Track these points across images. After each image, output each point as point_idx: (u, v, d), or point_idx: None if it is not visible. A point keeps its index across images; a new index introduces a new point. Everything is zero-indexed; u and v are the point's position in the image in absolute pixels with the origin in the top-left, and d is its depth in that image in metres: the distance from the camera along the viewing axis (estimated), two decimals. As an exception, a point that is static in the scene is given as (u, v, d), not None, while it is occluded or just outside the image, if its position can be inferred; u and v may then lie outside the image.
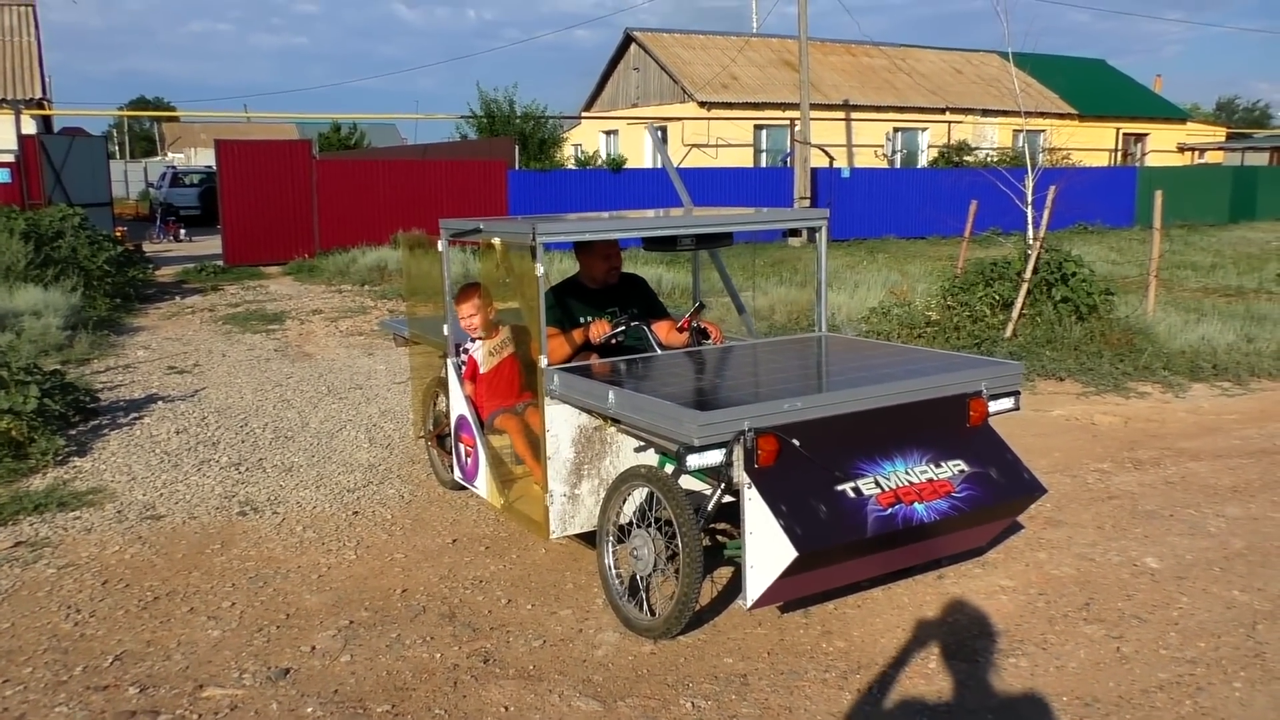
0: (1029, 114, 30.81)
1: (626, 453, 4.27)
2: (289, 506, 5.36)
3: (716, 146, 27.10)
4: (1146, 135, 34.79)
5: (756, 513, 3.47)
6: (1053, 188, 9.55)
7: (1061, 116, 32.06)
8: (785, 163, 24.88)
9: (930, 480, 3.78)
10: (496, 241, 4.35)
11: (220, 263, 17.67)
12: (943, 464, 3.86)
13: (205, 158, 42.74)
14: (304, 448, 6.45)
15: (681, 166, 24.69)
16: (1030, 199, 9.92)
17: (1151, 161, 33.38)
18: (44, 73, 23.70)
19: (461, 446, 5.03)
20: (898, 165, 29.56)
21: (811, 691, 3.45)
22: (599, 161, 22.98)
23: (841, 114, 28.31)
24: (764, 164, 28.01)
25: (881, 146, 29.76)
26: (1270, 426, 6.88)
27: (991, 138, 30.88)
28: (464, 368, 4.98)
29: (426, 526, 5.07)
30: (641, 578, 3.90)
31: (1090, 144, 30.76)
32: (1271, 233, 23.80)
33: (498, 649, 3.78)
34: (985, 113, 31.33)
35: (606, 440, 4.27)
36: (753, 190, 22.15)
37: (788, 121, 25.84)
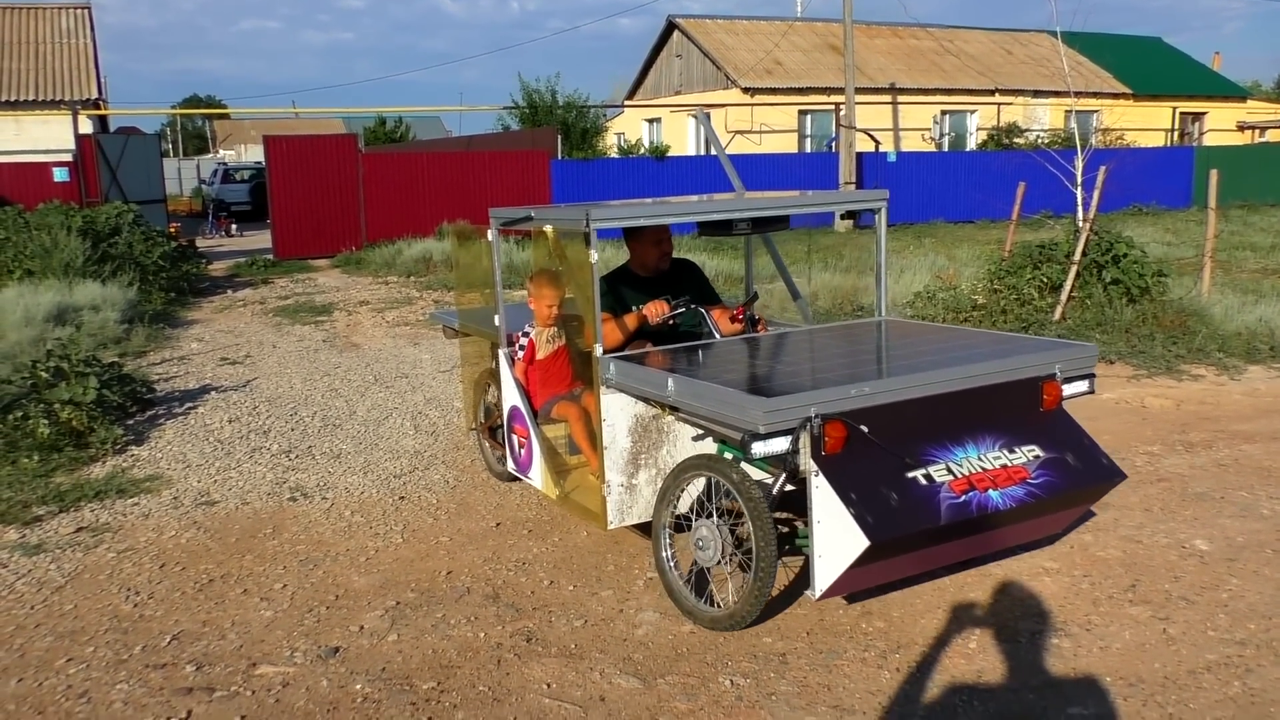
0: (1080, 94, 30.27)
1: (684, 442, 4.21)
2: (337, 492, 5.48)
3: (760, 133, 26.94)
4: (1204, 114, 33.90)
5: (825, 501, 3.38)
6: (1102, 169, 9.37)
7: (1115, 96, 31.37)
8: (830, 148, 24.67)
9: (1005, 466, 3.68)
10: (548, 229, 4.30)
11: (270, 257, 18.00)
12: (1017, 449, 3.76)
13: (255, 154, 43.50)
14: (351, 435, 6.58)
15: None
16: (1080, 180, 9.75)
17: (1210, 141, 32.51)
18: (99, 73, 24.28)
19: (515, 438, 4.98)
20: (945, 149, 29.16)
21: (850, 670, 3.46)
22: (642, 150, 22.99)
23: (888, 97, 27.95)
24: (809, 149, 27.81)
25: (929, 130, 29.38)
26: (1329, 408, 6.71)
27: (1042, 119, 30.31)
28: (523, 352, 4.87)
29: (471, 511, 5.15)
30: (706, 569, 3.85)
31: (1145, 124, 30.07)
32: (1335, 211, 23.11)
33: (540, 628, 3.84)
34: (1036, 94, 30.76)
35: (664, 429, 4.21)
36: (797, 176, 22.00)
37: (833, 106, 25.59)
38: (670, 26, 31.49)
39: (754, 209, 4.54)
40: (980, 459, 3.66)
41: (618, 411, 4.11)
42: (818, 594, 3.46)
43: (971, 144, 29.81)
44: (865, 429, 3.42)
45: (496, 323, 5.04)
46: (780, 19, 32.00)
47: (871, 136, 23.27)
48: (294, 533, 4.89)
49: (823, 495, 3.38)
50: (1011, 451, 3.75)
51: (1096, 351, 4.14)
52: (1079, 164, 9.74)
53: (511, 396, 4.96)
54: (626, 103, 33.35)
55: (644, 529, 4.33)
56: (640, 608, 3.99)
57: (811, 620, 3.82)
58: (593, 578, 4.29)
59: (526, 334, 4.91)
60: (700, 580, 3.93)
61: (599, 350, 4.08)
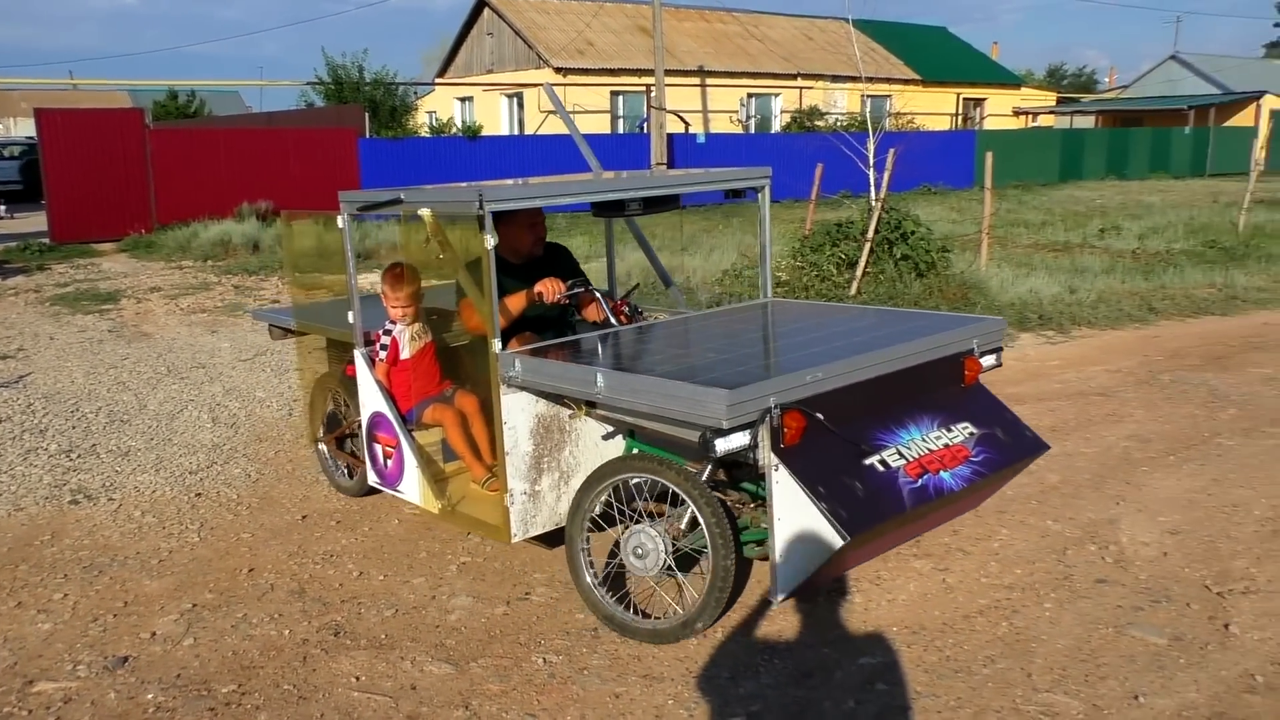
0: (873, 80, 31.92)
1: (588, 442, 3.95)
2: (126, 492, 5.14)
3: (573, 113, 26.96)
4: (985, 100, 36.46)
5: (788, 497, 3.17)
6: (892, 151, 9.94)
7: (906, 82, 33.25)
8: (642, 129, 25.00)
9: (947, 446, 3.60)
10: (425, 213, 3.83)
11: (46, 240, 16.57)
12: (953, 428, 3.69)
13: (26, 128, 39.84)
14: (142, 431, 6.18)
15: (537, 134, 24.51)
16: (872, 162, 10.31)
17: (989, 125, 35.04)
18: None
19: (378, 447, 4.45)
20: (752, 130, 30.10)
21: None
22: (454, 129, 22.55)
23: (697, 80, 28.59)
24: (621, 130, 28.07)
25: (736, 112, 30.23)
26: (1087, 370, 7.41)
27: (841, 103, 31.77)
28: (386, 352, 4.37)
29: (275, 504, 4.95)
30: (637, 579, 3.66)
31: (933, 108, 32.06)
32: (1096, 191, 25.41)
33: (349, 621, 3.75)
34: (835, 79, 32.19)
35: (566, 430, 3.88)
36: (610, 157, 22.14)
37: (644, 88, 25.93)
38: (481, 4, 30.96)
39: (650, 187, 4.18)
40: (925, 440, 3.58)
41: (518, 412, 3.72)
42: (780, 597, 3.26)
43: (776, 126, 30.90)
44: (821, 417, 3.25)
45: (350, 320, 4.47)
46: (592, 0, 32.06)
47: (681, 118, 23.74)
48: (76, 538, 4.56)
49: (785, 491, 3.18)
50: (949, 430, 3.68)
51: (1005, 325, 4.12)
52: (871, 146, 10.30)
53: (372, 402, 4.44)
54: (438, 80, 32.60)
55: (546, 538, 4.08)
56: (454, 593, 3.96)
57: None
58: (404, 566, 4.22)
59: (388, 331, 4.40)
60: (622, 589, 3.73)
61: (497, 345, 3.67)
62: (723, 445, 3.11)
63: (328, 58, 25.96)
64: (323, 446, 5.18)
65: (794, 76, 31.61)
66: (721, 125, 28.63)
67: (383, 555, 4.33)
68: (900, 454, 3.47)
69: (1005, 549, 4.26)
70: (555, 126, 25.62)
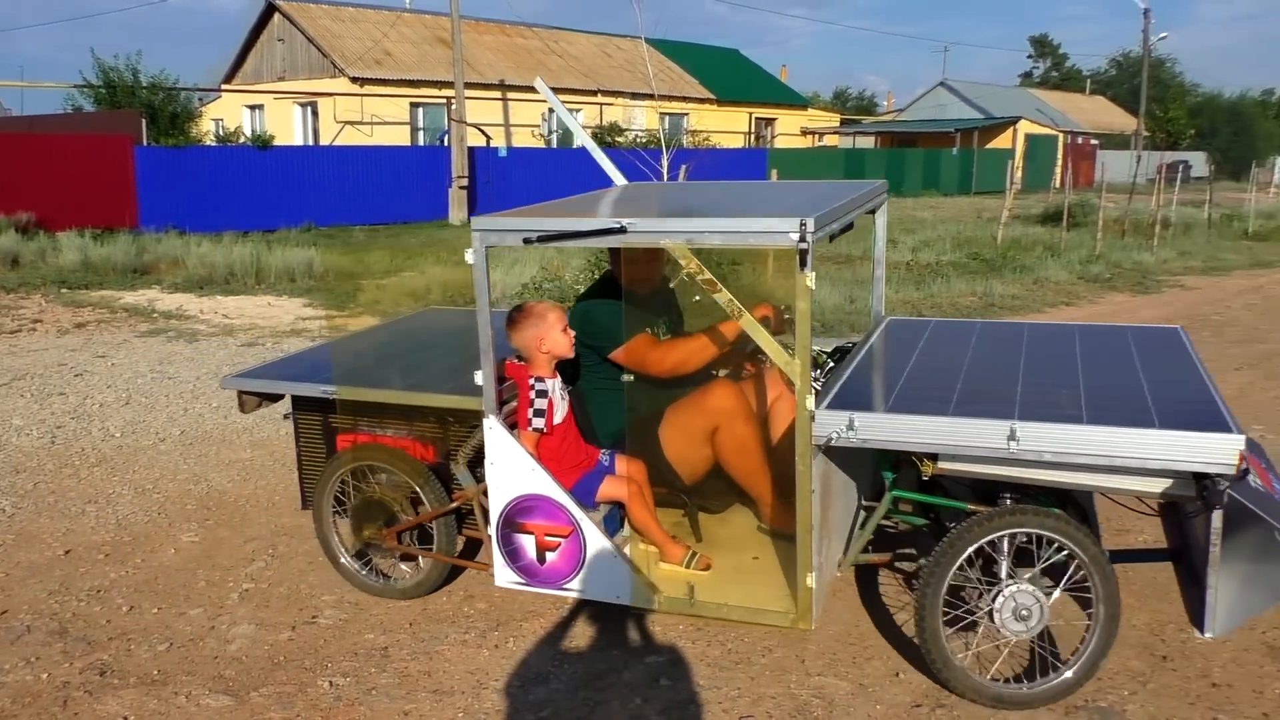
0: (670, 98, 32.85)
1: (842, 499, 3.57)
2: None
3: (371, 124, 26.33)
4: (775, 120, 38.25)
5: (1242, 529, 2.99)
6: (683, 167, 10.31)
7: (701, 101, 34.43)
8: (443, 141, 24.70)
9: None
10: (677, 245, 3.10)
11: None
12: None
13: None
14: (-126, 467, 5.57)
15: (334, 144, 23.77)
16: (665, 178, 10.63)
17: (780, 144, 36.78)
18: None
19: (526, 539, 3.56)
20: (555, 145, 30.33)
21: (451, 654, 3.56)
22: (243, 139, 21.54)
23: (498, 93, 28.54)
24: (422, 143, 27.64)
25: (538, 126, 30.37)
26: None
27: (640, 120, 32.53)
28: (543, 419, 3.55)
29: (34, 540, 4.59)
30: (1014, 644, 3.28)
31: (727, 127, 33.36)
32: (876, 207, 27.15)
33: (117, 659, 3.53)
34: (634, 96, 32.92)
35: (831, 488, 3.42)
36: (411, 170, 21.81)
37: (444, 100, 25.64)
38: (271, 8, 29.71)
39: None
40: None
41: (818, 478, 3.21)
42: (1221, 632, 3.07)
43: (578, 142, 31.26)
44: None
45: (479, 381, 3.48)
46: (389, 9, 31.41)
47: (483, 131, 23.64)
48: None
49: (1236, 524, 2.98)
50: None
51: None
52: (664, 163, 10.62)
53: (515, 483, 3.52)
54: (224, 87, 30.99)
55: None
56: (234, 622, 3.80)
57: (415, 611, 3.87)
58: (180, 597, 4.01)
59: (541, 391, 3.55)
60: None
61: (811, 402, 3.10)
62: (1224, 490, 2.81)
63: (97, 59, 24.16)
64: (337, 541, 4.03)
65: (594, 93, 32.09)
66: (524, 139, 28.69)
67: (157, 588, 4.10)
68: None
69: (785, 544, 4.50)
70: (352, 137, 24.91)
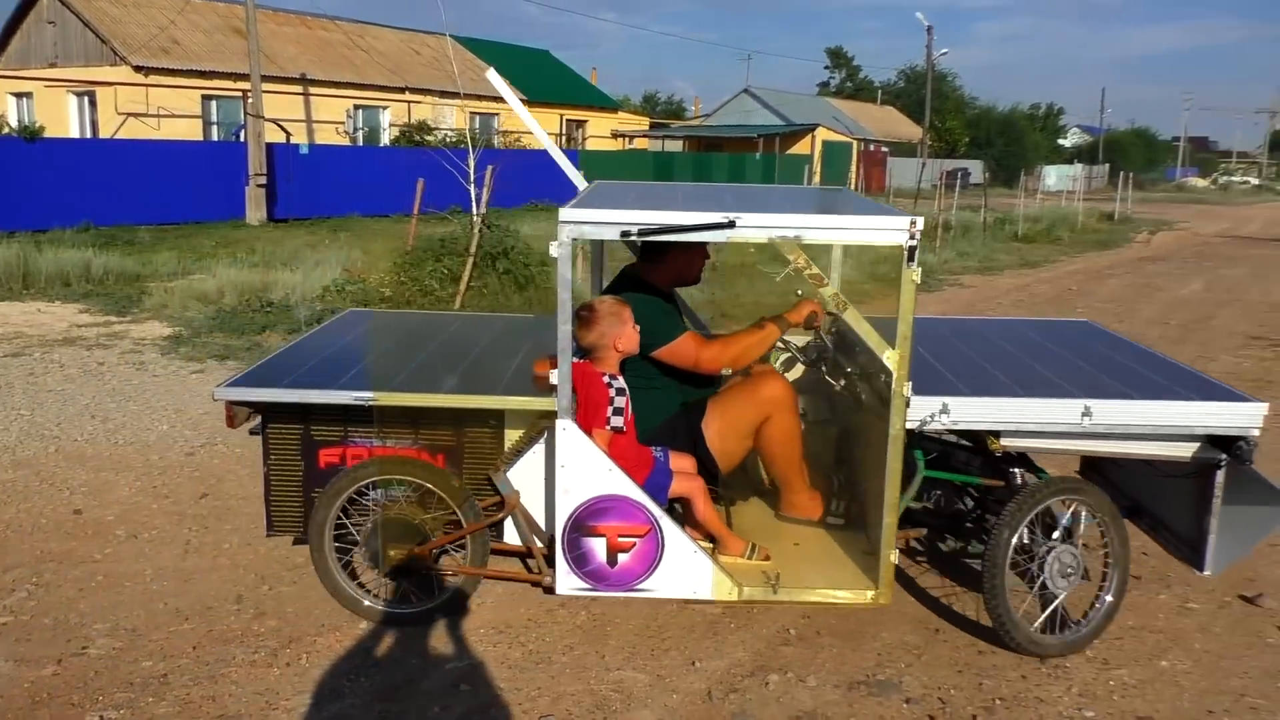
0: (482, 97, 32.50)
1: None
2: None
3: (158, 116, 24.67)
4: (586, 122, 38.55)
5: (1240, 478, 3.55)
6: (490, 167, 10.22)
7: (513, 101, 34.23)
8: (239, 137, 23.46)
9: None
10: (789, 240, 3.26)
11: None
12: None
13: None
14: None
15: (115, 138, 22.13)
16: (473, 178, 10.52)
17: (591, 146, 37.10)
18: None
19: (597, 542, 3.48)
20: (360, 143, 29.41)
21: (239, 675, 3.39)
22: (7, 129, 19.72)
23: (299, 88, 27.38)
24: (216, 137, 26.16)
25: (343, 123, 29.35)
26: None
27: (450, 119, 32.02)
28: (622, 417, 3.54)
29: None
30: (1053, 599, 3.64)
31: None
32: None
33: None
34: (444, 94, 32.35)
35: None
36: (204, 166, 20.57)
37: (240, 93, 24.36)
38: (37, -14, 27.31)
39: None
40: None
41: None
42: (1219, 570, 3.67)
43: (385, 139, 30.45)
44: None
45: (554, 380, 3.39)
46: (175, -6, 29.51)
47: (282, 127, 22.64)
48: None
49: (1234, 473, 3.54)
50: None
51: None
52: (471, 163, 10.50)
53: (588, 485, 3.45)
54: (-16, 72, 28.24)
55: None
56: (-11, 658, 3.48)
57: (199, 634, 3.67)
58: (-75, 635, 3.64)
59: (620, 390, 3.56)
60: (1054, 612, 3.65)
61: (909, 389, 3.32)
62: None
63: None
64: (332, 562, 3.68)
65: (402, 90, 31.32)
66: (328, 136, 27.65)
67: (-104, 626, 3.70)
68: None
69: (589, 543, 4.55)
70: (136, 130, 23.26)
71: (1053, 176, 47.71)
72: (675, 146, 42.65)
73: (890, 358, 3.30)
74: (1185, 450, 3.57)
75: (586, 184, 4.26)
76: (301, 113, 26.98)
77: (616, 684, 3.39)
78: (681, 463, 3.77)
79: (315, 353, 4.04)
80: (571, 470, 3.43)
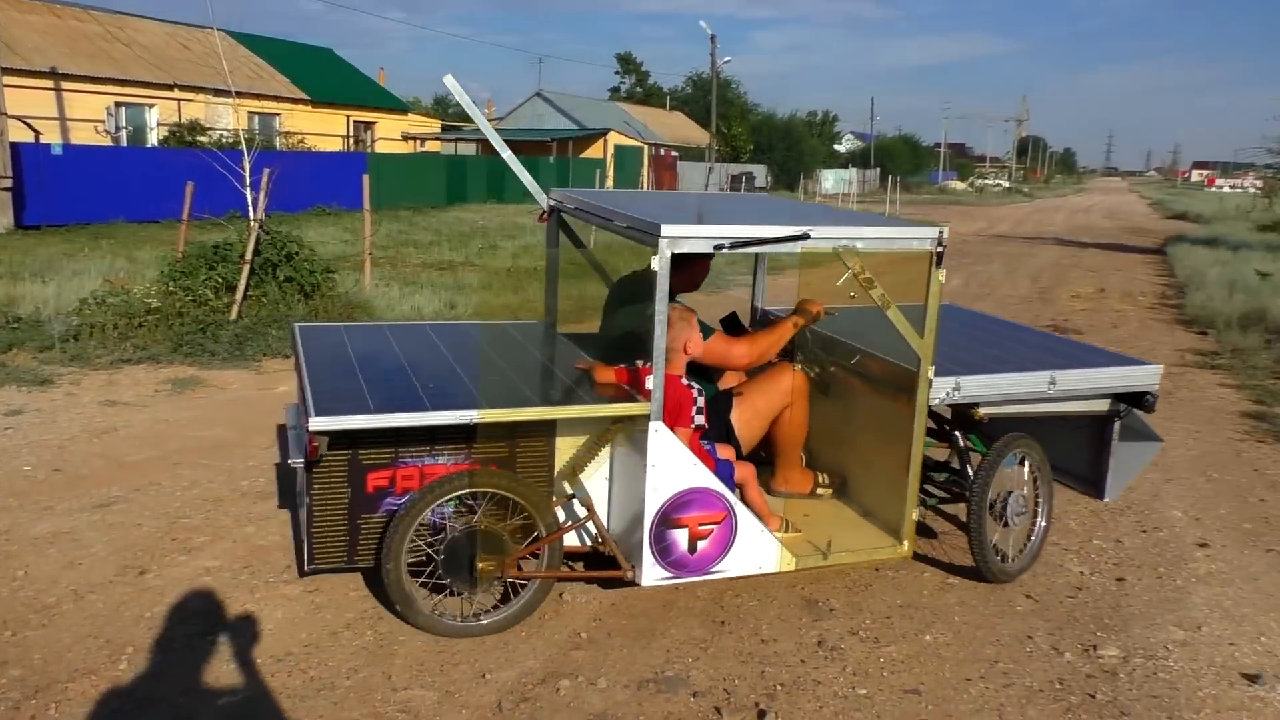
0: (261, 96, 30.97)
1: None
2: None
3: (-122, 112, 21.92)
4: (375, 123, 37.39)
5: (1135, 423, 4.69)
6: (267, 171, 9.73)
7: (294, 101, 32.74)
8: (-22, 135, 21.21)
9: None
10: (850, 249, 3.81)
11: None
12: None
13: None
14: None
15: None
16: (248, 181, 9.97)
17: (380, 148, 36.03)
18: None
19: (679, 534, 3.73)
20: (124, 143, 27.29)
21: (-28, 735, 3.06)
22: None
23: (50, 83, 25.09)
24: (-49, 136, 23.54)
25: (103, 122, 27.15)
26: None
27: (226, 119, 30.25)
28: (702, 415, 3.93)
29: None
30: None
31: (323, 129, 32.05)
32: (479, 213, 27.52)
33: None
34: (218, 92, 30.53)
35: None
36: (-66, 167, 18.46)
37: (-23, 87, 22.01)
38: None
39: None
40: None
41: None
42: (1114, 497, 4.88)
43: (154, 140, 28.41)
44: None
45: (649, 386, 3.64)
46: (-105, -26, 26.35)
47: (30, 126, 20.69)
48: None
49: (1131, 421, 4.64)
50: None
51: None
52: (246, 165, 9.95)
53: (673, 480, 3.69)
54: None
55: None
56: None
57: (-75, 691, 3.27)
58: None
59: (701, 391, 3.94)
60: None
61: (932, 371, 3.94)
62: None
63: None
64: (408, 584, 3.63)
65: (170, 87, 29.28)
66: (87, 136, 25.48)
67: None
68: None
69: (376, 560, 4.40)
70: None
71: (830, 180, 50.61)
72: (469, 150, 42.10)
73: (919, 345, 3.88)
74: (1104, 405, 4.51)
75: (546, 196, 4.58)
76: (53, 110, 24.76)
77: (404, 704, 3.29)
78: (727, 452, 4.11)
79: (345, 374, 3.87)
80: (661, 469, 3.67)
